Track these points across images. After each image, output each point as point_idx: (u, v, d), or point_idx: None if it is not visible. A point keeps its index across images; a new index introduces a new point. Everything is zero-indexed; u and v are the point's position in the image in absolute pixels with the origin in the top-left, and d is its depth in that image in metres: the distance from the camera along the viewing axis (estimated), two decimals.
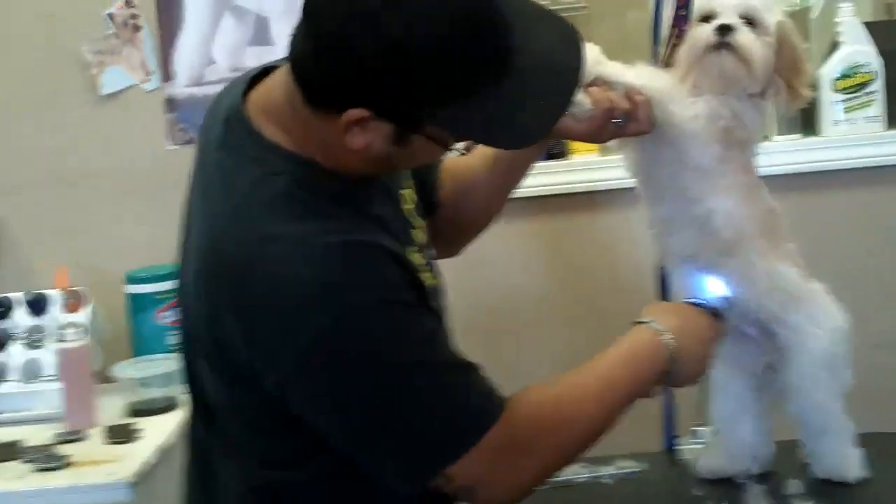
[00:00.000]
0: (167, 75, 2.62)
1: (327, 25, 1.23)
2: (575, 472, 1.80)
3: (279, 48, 2.51)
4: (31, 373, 2.40)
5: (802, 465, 1.76)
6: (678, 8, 1.62)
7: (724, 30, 1.59)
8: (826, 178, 2.57)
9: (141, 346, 2.48)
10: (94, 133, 2.63)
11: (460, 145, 1.31)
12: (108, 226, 2.64)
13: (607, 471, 1.85)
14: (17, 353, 2.43)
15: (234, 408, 1.38)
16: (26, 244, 2.64)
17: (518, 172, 1.66)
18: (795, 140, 2.57)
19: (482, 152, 1.64)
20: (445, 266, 1.56)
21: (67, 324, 2.35)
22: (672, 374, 1.46)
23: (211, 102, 1.46)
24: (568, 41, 1.32)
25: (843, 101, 2.54)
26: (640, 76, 1.57)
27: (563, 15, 1.36)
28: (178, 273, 1.44)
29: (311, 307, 1.25)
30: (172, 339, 2.35)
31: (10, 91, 2.64)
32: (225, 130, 1.36)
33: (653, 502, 1.80)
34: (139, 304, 2.48)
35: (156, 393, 2.30)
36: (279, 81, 1.34)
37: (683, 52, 1.62)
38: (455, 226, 1.65)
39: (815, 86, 2.24)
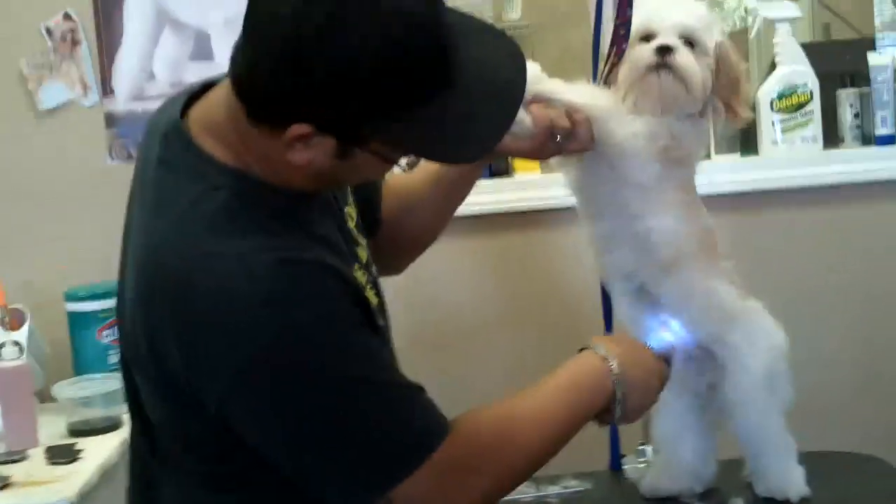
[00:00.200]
0: (107, 90, 2.60)
1: (270, 42, 1.22)
2: (521, 492, 1.80)
3: (220, 63, 2.49)
4: None
5: (746, 484, 1.78)
6: (618, 26, 1.64)
7: (664, 50, 1.61)
8: (765, 197, 2.61)
9: (82, 364, 2.45)
10: (33, 148, 2.60)
11: (403, 161, 1.31)
12: (47, 242, 2.61)
13: (553, 490, 1.86)
14: None
15: (174, 427, 1.37)
16: None
17: (461, 190, 1.66)
18: (735, 159, 2.60)
19: (425, 169, 1.64)
20: (389, 283, 1.56)
21: (6, 342, 2.31)
22: (618, 401, 1.45)
23: (150, 118, 1.44)
24: (511, 58, 1.33)
25: (780, 121, 2.58)
26: (581, 94, 1.59)
27: (506, 32, 1.37)
28: (117, 290, 1.43)
29: (253, 322, 1.24)
30: (114, 357, 2.33)
31: None
32: (164, 146, 1.35)
33: None
34: (80, 323, 2.45)
35: (98, 412, 2.27)
36: (220, 97, 1.34)
37: (623, 72, 1.64)
38: (398, 243, 1.65)
39: (753, 106, 2.27)
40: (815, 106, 2.58)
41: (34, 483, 2.04)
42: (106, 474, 2.09)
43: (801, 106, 2.57)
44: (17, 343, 2.31)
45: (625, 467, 1.96)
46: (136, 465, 1.47)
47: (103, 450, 2.16)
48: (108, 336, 2.41)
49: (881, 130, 2.58)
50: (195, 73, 2.51)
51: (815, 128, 2.59)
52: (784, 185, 2.60)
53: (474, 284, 2.64)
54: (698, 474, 1.79)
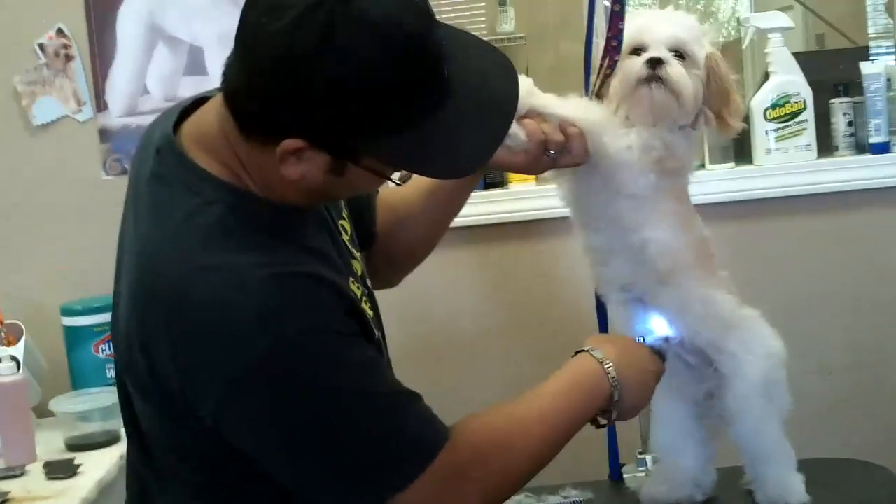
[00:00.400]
0: (101, 105, 2.60)
1: (262, 57, 1.23)
2: (520, 502, 1.80)
3: (213, 78, 2.48)
4: None
5: (745, 492, 1.77)
6: (609, 39, 1.64)
7: (655, 63, 1.61)
8: (759, 206, 2.61)
9: (79, 379, 2.44)
10: (28, 164, 2.60)
11: (397, 175, 1.31)
12: (42, 257, 2.61)
13: (553, 500, 1.85)
14: None
15: (168, 438, 1.37)
16: None
17: (455, 203, 1.67)
18: (729, 168, 2.61)
19: (419, 183, 1.64)
20: (384, 294, 1.57)
21: (2, 358, 2.31)
22: (614, 402, 1.47)
23: (144, 133, 1.45)
24: (503, 72, 1.33)
25: (774, 130, 2.59)
26: (574, 108, 1.59)
27: (499, 46, 1.38)
28: (111, 304, 1.43)
29: (248, 333, 1.24)
30: (111, 371, 2.32)
31: None
32: (157, 161, 1.36)
33: None
34: (76, 337, 2.45)
35: (95, 427, 2.26)
36: (213, 112, 1.34)
37: (615, 85, 1.64)
38: (393, 256, 1.65)
39: (745, 116, 2.27)
40: (809, 115, 2.58)
41: (33, 499, 2.03)
42: (105, 489, 2.09)
43: (794, 115, 2.58)
44: (13, 358, 2.30)
45: (625, 476, 1.95)
46: (132, 475, 1.47)
47: (102, 464, 2.16)
48: (104, 350, 2.41)
49: (875, 138, 2.59)
50: (189, 88, 2.52)
51: (809, 136, 2.59)
52: (778, 194, 2.60)
53: (469, 295, 2.65)
54: (698, 483, 1.79)
